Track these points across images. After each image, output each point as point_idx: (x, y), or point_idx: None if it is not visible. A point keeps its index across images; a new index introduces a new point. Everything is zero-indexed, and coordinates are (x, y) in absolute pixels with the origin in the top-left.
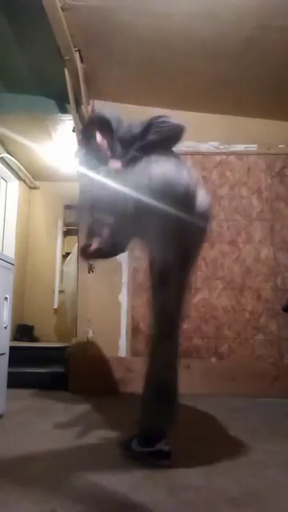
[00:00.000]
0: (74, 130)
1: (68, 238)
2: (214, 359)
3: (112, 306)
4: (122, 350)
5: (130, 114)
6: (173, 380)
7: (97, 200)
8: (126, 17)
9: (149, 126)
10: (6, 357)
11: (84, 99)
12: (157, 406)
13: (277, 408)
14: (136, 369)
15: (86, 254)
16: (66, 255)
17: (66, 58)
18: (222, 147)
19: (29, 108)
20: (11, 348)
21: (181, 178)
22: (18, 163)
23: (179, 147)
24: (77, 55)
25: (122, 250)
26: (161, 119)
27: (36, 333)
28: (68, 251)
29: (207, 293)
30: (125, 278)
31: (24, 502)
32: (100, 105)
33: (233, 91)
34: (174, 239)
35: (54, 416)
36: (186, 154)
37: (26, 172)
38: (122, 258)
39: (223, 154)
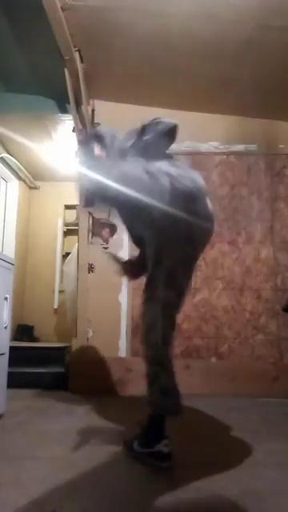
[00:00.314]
0: (74, 130)
1: (68, 237)
2: (213, 359)
3: (112, 306)
4: (122, 350)
5: (130, 114)
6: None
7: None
8: (126, 17)
9: (143, 128)
10: (6, 357)
11: (84, 99)
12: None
13: (277, 408)
14: (136, 369)
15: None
16: (65, 255)
17: (66, 58)
18: (221, 147)
19: (29, 108)
20: (11, 348)
21: (189, 178)
22: (18, 163)
23: (179, 147)
24: (77, 55)
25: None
26: (155, 120)
27: (36, 333)
28: (68, 251)
29: (207, 293)
30: (125, 278)
31: (24, 502)
32: (100, 105)
33: (233, 91)
34: (185, 238)
35: (54, 416)
36: (185, 154)
37: (26, 172)
38: (122, 258)
39: (223, 153)
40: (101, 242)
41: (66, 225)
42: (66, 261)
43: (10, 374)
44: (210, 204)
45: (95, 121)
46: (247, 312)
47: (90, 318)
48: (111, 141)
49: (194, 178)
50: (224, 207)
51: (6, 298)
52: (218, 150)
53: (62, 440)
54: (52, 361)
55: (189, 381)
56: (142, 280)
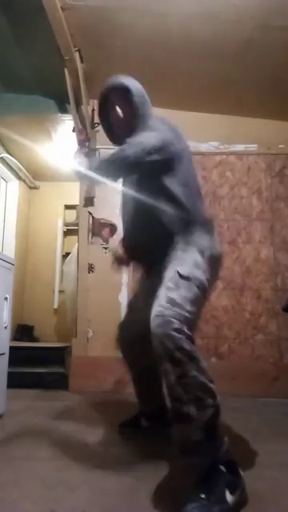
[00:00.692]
0: (73, 130)
1: (68, 237)
2: (213, 359)
3: (112, 306)
4: None
5: None
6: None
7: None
8: (126, 17)
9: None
10: (6, 357)
11: (84, 99)
12: None
13: (277, 408)
14: None
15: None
16: (66, 255)
17: (66, 58)
18: (222, 147)
19: (29, 108)
20: (11, 348)
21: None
22: (18, 163)
23: None
24: (77, 55)
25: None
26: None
27: (36, 333)
28: (68, 251)
29: None
30: (125, 278)
31: (24, 501)
32: None
33: (233, 91)
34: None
35: (54, 416)
36: None
37: (26, 172)
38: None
39: (223, 153)
40: (101, 241)
41: (66, 225)
42: (66, 261)
43: (10, 374)
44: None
45: (95, 121)
46: (247, 312)
47: (90, 318)
48: (141, 102)
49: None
50: (224, 207)
51: (6, 298)
52: (217, 150)
53: (62, 440)
54: (52, 361)
55: None
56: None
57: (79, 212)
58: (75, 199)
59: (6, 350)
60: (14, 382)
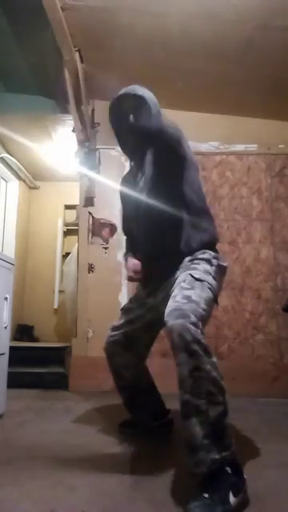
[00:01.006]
0: (73, 130)
1: (68, 237)
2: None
3: (112, 306)
4: None
5: None
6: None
7: None
8: (126, 17)
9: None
10: (6, 357)
11: (84, 99)
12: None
13: (277, 408)
14: None
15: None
16: (65, 255)
17: (66, 58)
18: (222, 147)
19: (29, 108)
20: (11, 348)
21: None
22: (18, 163)
23: None
24: (77, 55)
25: None
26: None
27: (36, 333)
28: (68, 251)
29: None
30: (125, 278)
31: (24, 501)
32: (100, 105)
33: (233, 91)
34: None
35: (54, 416)
36: None
37: (26, 172)
38: (122, 257)
39: (223, 153)
40: (101, 241)
41: (66, 225)
42: (66, 261)
43: (10, 374)
44: None
45: (95, 121)
46: (247, 312)
47: (90, 318)
48: (155, 115)
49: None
50: (224, 207)
51: (6, 298)
52: (217, 150)
53: (62, 440)
54: (52, 361)
55: None
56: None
57: (79, 212)
58: (75, 199)
59: (6, 350)
60: (14, 382)
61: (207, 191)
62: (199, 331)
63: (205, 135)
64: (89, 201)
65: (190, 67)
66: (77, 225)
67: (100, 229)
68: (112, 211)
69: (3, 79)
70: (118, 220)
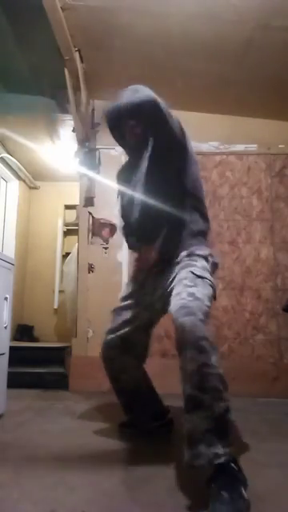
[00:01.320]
0: (73, 130)
1: (68, 237)
2: None
3: (112, 306)
4: None
5: None
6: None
7: None
8: (126, 17)
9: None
10: (6, 357)
11: (84, 99)
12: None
13: (277, 408)
14: None
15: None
16: (65, 255)
17: (66, 58)
18: (222, 147)
19: (29, 108)
20: (11, 348)
21: None
22: (18, 163)
23: None
24: (77, 55)
25: None
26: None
27: (36, 333)
28: (68, 251)
29: None
30: (125, 278)
31: (24, 501)
32: (100, 105)
33: (233, 91)
34: None
35: (54, 416)
36: None
37: (26, 172)
38: (122, 257)
39: (223, 153)
40: (101, 241)
41: (66, 225)
42: (66, 261)
43: (10, 374)
44: None
45: (95, 121)
46: (247, 312)
47: (90, 318)
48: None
49: None
50: (224, 207)
51: (6, 298)
52: (217, 150)
53: (62, 440)
54: (52, 361)
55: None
56: None
57: (79, 212)
58: (75, 199)
59: (6, 350)
60: (14, 382)
61: (207, 191)
62: (206, 328)
63: (205, 135)
64: (89, 201)
65: (190, 67)
66: (77, 225)
67: (100, 229)
68: (112, 211)
69: (3, 79)
70: (117, 220)
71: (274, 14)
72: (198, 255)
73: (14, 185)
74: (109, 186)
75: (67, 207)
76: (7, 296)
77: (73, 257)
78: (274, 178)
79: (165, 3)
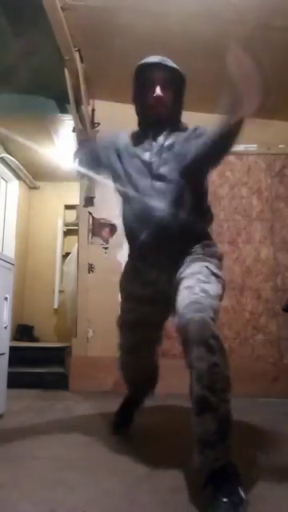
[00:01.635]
0: (73, 130)
1: (68, 237)
2: None
3: (112, 306)
4: None
5: (130, 114)
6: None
7: None
8: (126, 17)
9: None
10: (6, 357)
11: (84, 99)
12: None
13: (277, 408)
14: None
15: None
16: (66, 255)
17: (66, 58)
18: None
19: (29, 108)
20: (11, 348)
21: None
22: (18, 163)
23: None
24: (77, 55)
25: None
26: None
27: (36, 333)
28: (68, 251)
29: None
30: None
31: (24, 501)
32: (100, 105)
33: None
34: None
35: (54, 416)
36: None
37: (26, 172)
38: (122, 257)
39: None
40: (101, 241)
41: (66, 225)
42: (66, 261)
43: (10, 374)
44: None
45: (95, 121)
46: (247, 312)
47: (90, 318)
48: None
49: None
50: (224, 207)
51: (6, 298)
52: None
53: (62, 440)
54: (52, 361)
55: (189, 381)
56: None
57: (79, 212)
58: (75, 199)
59: (6, 350)
60: (14, 382)
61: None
62: (216, 327)
63: None
64: (89, 201)
65: (190, 67)
66: (77, 225)
67: (100, 229)
68: (112, 211)
69: (3, 79)
70: (118, 220)
71: (274, 13)
72: (214, 252)
73: (14, 185)
74: (109, 185)
75: (67, 207)
76: (7, 296)
77: (73, 257)
78: (274, 178)
79: (165, 3)
